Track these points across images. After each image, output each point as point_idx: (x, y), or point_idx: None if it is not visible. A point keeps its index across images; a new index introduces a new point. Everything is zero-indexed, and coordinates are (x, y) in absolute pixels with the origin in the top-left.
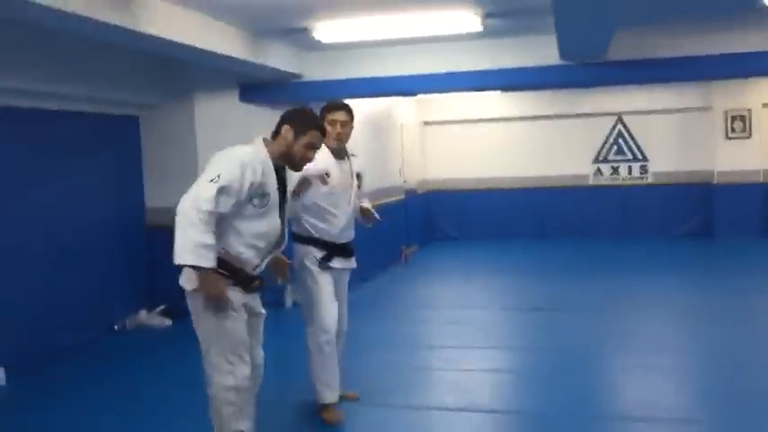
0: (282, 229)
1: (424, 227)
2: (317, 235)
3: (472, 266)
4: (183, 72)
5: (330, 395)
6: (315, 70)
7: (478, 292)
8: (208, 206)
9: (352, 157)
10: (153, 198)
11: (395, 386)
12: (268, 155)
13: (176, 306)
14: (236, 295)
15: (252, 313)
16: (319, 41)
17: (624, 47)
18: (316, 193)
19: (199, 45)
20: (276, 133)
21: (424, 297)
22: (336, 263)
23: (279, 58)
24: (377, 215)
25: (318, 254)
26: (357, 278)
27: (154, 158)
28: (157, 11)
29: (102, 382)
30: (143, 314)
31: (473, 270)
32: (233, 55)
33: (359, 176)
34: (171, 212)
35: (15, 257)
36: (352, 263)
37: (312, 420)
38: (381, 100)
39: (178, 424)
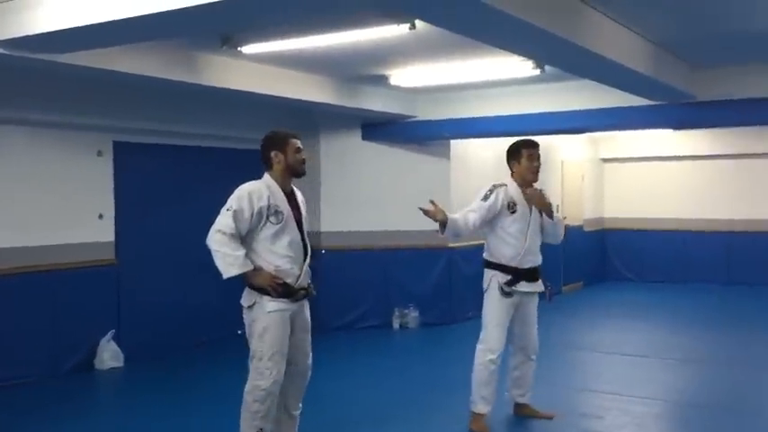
0: (303, 240)
1: (595, 266)
2: (502, 261)
3: (629, 310)
4: (311, 113)
5: (484, 407)
6: (427, 110)
7: (611, 335)
8: (228, 229)
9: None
10: None
11: None
12: (273, 182)
13: None
14: (281, 305)
15: (301, 329)
16: (398, 86)
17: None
18: (503, 221)
19: (289, 95)
20: (269, 164)
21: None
22: (522, 286)
23: (375, 100)
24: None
25: (502, 279)
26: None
27: None
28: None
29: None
30: None
31: (626, 313)
32: (322, 101)
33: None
34: None
35: (160, 266)
36: (538, 286)
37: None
38: (540, 137)
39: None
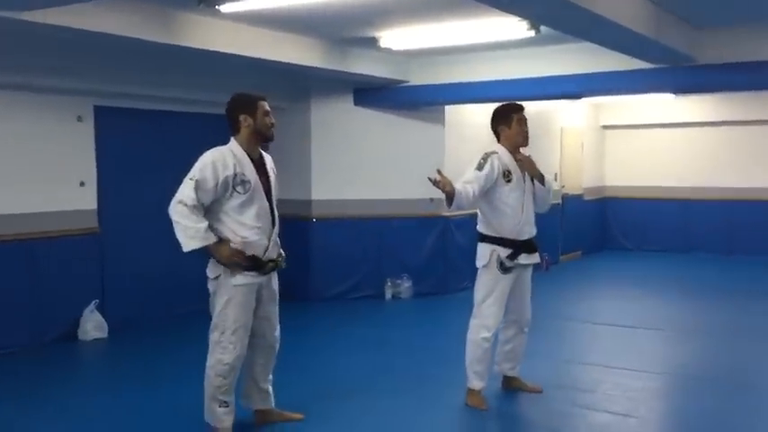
0: (272, 209)
1: (594, 235)
2: (501, 233)
3: (626, 280)
4: (302, 77)
5: (479, 383)
6: (420, 75)
7: (607, 306)
8: (190, 201)
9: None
10: None
11: None
12: (239, 147)
13: None
14: (248, 279)
15: (268, 301)
16: (389, 48)
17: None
18: (500, 191)
19: (274, 58)
20: (236, 128)
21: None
22: (522, 259)
23: (365, 64)
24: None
25: (504, 253)
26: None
27: (275, 154)
28: (235, 31)
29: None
30: None
31: (623, 284)
32: (309, 64)
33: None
34: (286, 202)
35: (145, 234)
36: (535, 258)
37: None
38: (539, 103)
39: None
